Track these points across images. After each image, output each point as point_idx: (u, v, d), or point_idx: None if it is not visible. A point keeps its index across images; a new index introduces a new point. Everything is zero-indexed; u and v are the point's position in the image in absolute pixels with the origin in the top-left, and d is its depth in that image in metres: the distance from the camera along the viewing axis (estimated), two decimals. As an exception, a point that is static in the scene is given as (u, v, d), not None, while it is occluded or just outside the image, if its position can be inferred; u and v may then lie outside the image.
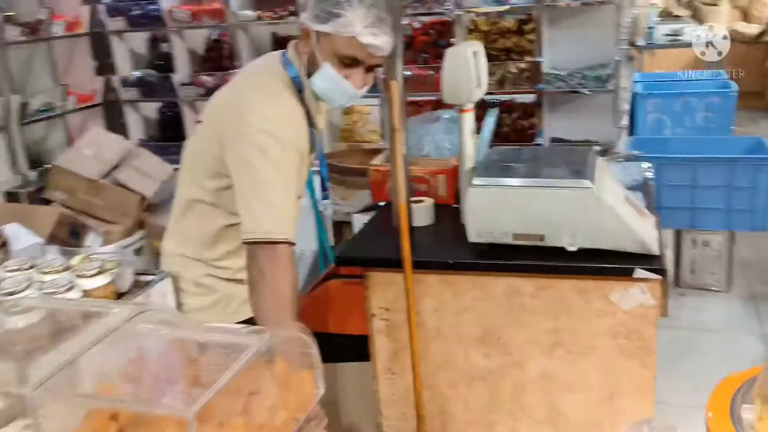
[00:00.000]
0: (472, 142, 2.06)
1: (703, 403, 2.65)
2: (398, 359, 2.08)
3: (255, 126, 1.60)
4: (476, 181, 1.87)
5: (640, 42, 4.98)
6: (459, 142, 2.07)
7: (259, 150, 1.58)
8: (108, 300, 1.44)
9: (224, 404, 0.95)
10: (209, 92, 4.51)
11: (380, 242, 2.13)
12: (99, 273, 1.50)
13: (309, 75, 1.70)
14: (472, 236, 1.90)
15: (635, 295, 1.81)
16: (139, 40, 4.88)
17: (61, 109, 4.57)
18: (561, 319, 1.90)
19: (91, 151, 3.84)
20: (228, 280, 1.76)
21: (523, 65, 3.61)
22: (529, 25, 3.68)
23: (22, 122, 4.38)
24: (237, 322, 1.74)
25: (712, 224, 3.37)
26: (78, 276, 1.49)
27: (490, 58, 2.02)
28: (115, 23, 4.63)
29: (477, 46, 2.02)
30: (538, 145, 3.54)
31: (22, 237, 1.96)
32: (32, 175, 4.39)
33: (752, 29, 7.46)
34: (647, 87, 4.71)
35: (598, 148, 3.44)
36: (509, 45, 3.69)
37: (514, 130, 3.85)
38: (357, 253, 2.09)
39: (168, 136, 4.90)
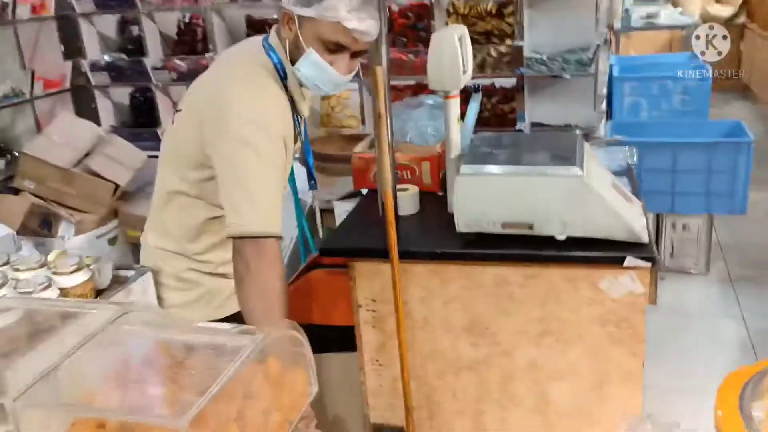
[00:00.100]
0: (458, 129, 2.02)
1: (687, 387, 2.68)
2: (385, 350, 2.05)
3: (238, 115, 1.54)
4: (464, 169, 1.84)
5: (617, 25, 4.97)
6: (444, 128, 2.03)
7: (243, 141, 1.53)
8: (89, 300, 1.38)
9: (218, 411, 0.90)
10: (182, 77, 4.42)
11: (365, 232, 2.09)
12: (77, 270, 1.45)
13: (292, 61, 1.65)
14: (461, 226, 1.87)
15: (625, 283, 1.80)
16: (109, 22, 4.74)
17: (29, 95, 4.43)
18: (549, 308, 1.88)
19: (61, 138, 3.73)
20: (211, 274, 1.70)
21: (503, 49, 3.58)
22: (509, 8, 3.64)
23: (-12, 109, 4.24)
24: (223, 318, 1.70)
25: (692, 208, 3.38)
26: (55, 273, 1.43)
27: (470, 41, 1.98)
28: (83, 5, 4.48)
29: (462, 31, 1.98)
30: (520, 130, 3.51)
31: (-8, 229, 1.89)
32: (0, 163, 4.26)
33: (725, 11, 7.52)
34: (624, 70, 4.71)
35: (579, 132, 3.44)
36: (489, 28, 3.65)
37: (494, 115, 3.82)
38: (342, 244, 2.05)
39: (140, 122, 4.78)
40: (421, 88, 4.08)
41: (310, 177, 1.86)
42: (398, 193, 2.08)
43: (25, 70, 4.42)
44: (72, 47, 4.61)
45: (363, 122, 4.00)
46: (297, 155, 1.86)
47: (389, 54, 1.91)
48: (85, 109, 4.67)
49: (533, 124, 3.68)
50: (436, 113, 2.48)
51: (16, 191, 3.65)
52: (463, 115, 2.11)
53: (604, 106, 3.79)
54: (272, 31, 1.70)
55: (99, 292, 1.52)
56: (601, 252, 1.78)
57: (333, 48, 1.59)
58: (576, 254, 1.79)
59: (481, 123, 3.53)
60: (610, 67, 4.58)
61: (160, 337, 1.09)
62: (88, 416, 0.91)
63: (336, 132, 4.02)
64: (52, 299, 1.32)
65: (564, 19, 3.45)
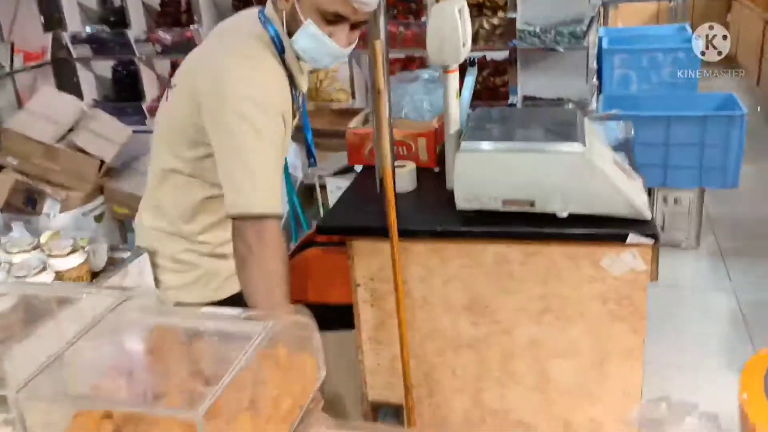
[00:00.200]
0: (457, 105, 1.98)
1: (682, 361, 2.70)
2: (384, 329, 2.04)
3: (235, 91, 1.49)
4: (465, 145, 1.80)
5: (606, -4, 4.93)
6: (443, 104, 1.99)
7: (241, 117, 1.48)
8: (87, 285, 1.34)
9: (230, 400, 0.87)
10: (166, 49, 4.32)
11: (363, 210, 2.06)
12: (72, 252, 1.41)
13: (289, 33, 1.59)
14: (461, 203, 1.84)
15: (626, 260, 1.78)
16: (89, -8, 4.62)
17: (8, 69, 4.32)
18: (550, 286, 1.86)
19: (44, 113, 3.63)
20: (209, 255, 1.66)
21: (495, 21, 3.52)
22: (501, -21, 3.59)
23: (-34, 83, 4.13)
24: (222, 299, 1.66)
25: (684, 182, 3.37)
26: (50, 256, 1.39)
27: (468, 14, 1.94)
28: (63, -25, 4.36)
29: (461, 3, 1.93)
30: (512, 104, 3.48)
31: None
32: (-20, 139, 4.16)
33: (712, -17, 7.49)
34: (612, 42, 4.67)
35: (572, 106, 3.41)
36: (481, 0, 3.59)
37: (486, 88, 3.78)
38: (340, 222, 2.02)
39: (124, 96, 4.68)
40: (410, 62, 4.02)
41: (310, 154, 1.81)
42: (396, 170, 2.05)
43: (4, 42, 4.30)
44: (52, 18, 4.49)
45: (353, 96, 3.94)
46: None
47: (387, 26, 1.86)
48: (67, 82, 4.56)
49: (525, 98, 3.64)
50: (431, 87, 2.44)
51: (-1, 168, 3.57)
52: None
53: (595, 79, 3.77)
54: (268, 2, 1.64)
55: (94, 275, 1.48)
56: (602, 229, 1.76)
57: (332, 19, 1.53)
58: (577, 231, 1.77)
59: (473, 97, 3.49)
60: (600, 39, 4.55)
61: (164, 324, 1.06)
62: (97, 408, 0.88)
63: (325, 106, 3.95)
64: (50, 284, 1.28)
65: (556, -10, 3.40)
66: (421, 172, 2.19)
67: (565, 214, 1.78)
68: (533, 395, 1.98)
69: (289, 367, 1.06)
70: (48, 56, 4.53)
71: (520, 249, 1.85)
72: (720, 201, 3.77)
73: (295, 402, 1.06)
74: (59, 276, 1.36)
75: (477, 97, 3.68)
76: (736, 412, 1.99)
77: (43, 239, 1.46)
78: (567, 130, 1.83)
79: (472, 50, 2.03)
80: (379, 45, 1.75)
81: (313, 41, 1.56)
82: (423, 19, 3.68)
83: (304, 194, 3.70)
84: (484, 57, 3.78)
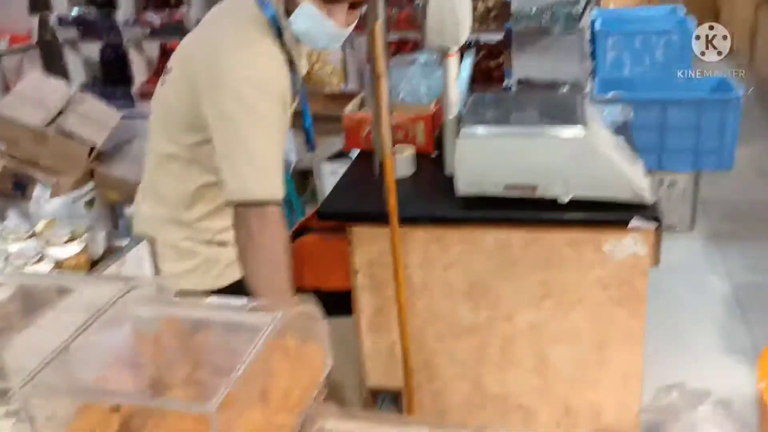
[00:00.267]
0: (456, 89, 1.96)
1: (678, 345, 2.71)
2: (383, 315, 2.02)
3: (233, 74, 1.46)
4: (466, 130, 1.78)
5: (598, -24, 4.89)
6: (443, 88, 1.97)
7: (240, 101, 1.45)
8: (91, 275, 1.31)
9: (242, 393, 0.86)
10: (156, 32, 4.25)
11: (361, 195, 2.04)
12: (70, 240, 1.38)
13: (287, 14, 1.56)
14: (461, 188, 1.82)
15: (628, 245, 1.78)
16: (75, -27, 4.53)
17: (-6, 51, 4.25)
18: (551, 271, 1.86)
19: (32, 97, 3.57)
20: (209, 242, 1.63)
21: (490, 3, 3.49)
22: (495, -40, 3.55)
23: (-50, 66, 4.05)
24: (222, 287, 1.64)
25: (680, 165, 3.37)
26: (47, 244, 1.36)
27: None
28: (48, -44, 4.27)
29: (461, -15, 1.90)
30: (508, 88, 3.45)
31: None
32: (-34, 123, 4.08)
33: (703, -37, 7.45)
34: (605, 24, 4.64)
35: (567, 88, 3.39)
36: (475, -18, 3.56)
37: (479, 71, 3.75)
38: (339, 208, 1.99)
39: (112, 79, 4.61)
40: (404, 44, 3.98)
41: (308, 139, 1.79)
42: (395, 156, 2.02)
43: (-11, 25, 4.23)
44: (38, 0, 4.41)
45: (346, 80, 3.90)
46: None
47: (386, 9, 1.83)
48: (54, 66, 4.49)
49: (519, 81, 3.61)
50: (428, 71, 2.41)
51: (-14, 153, 3.51)
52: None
53: (590, 61, 3.74)
54: (266, -17, 1.60)
55: (93, 263, 1.45)
56: (605, 214, 1.75)
57: None
58: (580, 217, 1.76)
59: (468, 80, 3.46)
60: (592, 21, 4.52)
61: (170, 315, 1.03)
62: (107, 402, 0.86)
63: (317, 90, 3.91)
64: (51, 274, 1.25)
65: (552, -28, 3.35)
66: (419, 156, 2.17)
67: (567, 199, 1.76)
68: (533, 380, 1.98)
69: (298, 357, 1.04)
70: (34, 39, 4.45)
71: (521, 235, 1.84)
72: (714, 183, 3.77)
73: (304, 392, 1.05)
74: (58, 265, 1.33)
75: (471, 80, 3.65)
76: (733, 395, 2.01)
77: (39, 227, 1.43)
78: (569, 114, 1.81)
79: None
80: (379, 27, 1.71)
81: (311, 22, 1.53)
82: (416, 1, 3.64)
83: (297, 179, 3.66)
84: (478, 40, 3.74)
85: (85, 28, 4.41)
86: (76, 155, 3.55)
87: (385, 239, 1.86)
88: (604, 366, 1.91)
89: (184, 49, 1.62)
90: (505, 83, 3.47)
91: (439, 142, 2.26)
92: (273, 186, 1.45)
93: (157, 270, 1.60)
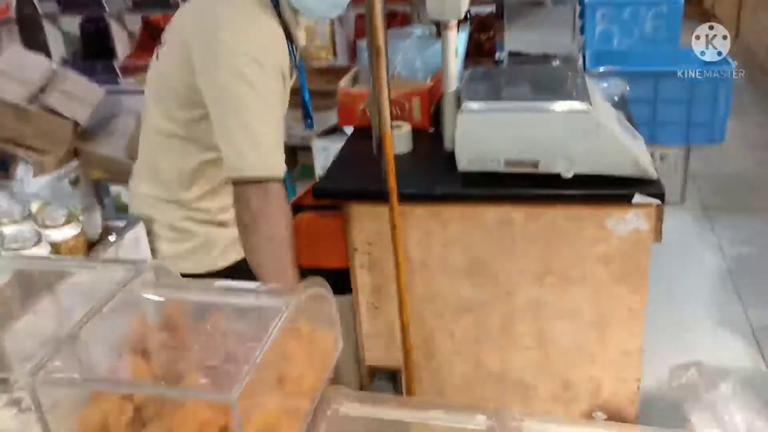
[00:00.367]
0: (455, 63, 1.93)
1: (674, 318, 2.72)
2: (381, 293, 2.00)
3: (230, 47, 1.41)
4: (467, 105, 1.75)
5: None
6: (442, 62, 1.93)
7: (238, 75, 1.40)
8: (91, 258, 1.28)
9: (261, 380, 0.83)
10: (138, 5, 4.15)
11: (359, 173, 2.01)
12: (67, 222, 1.34)
13: None
14: (462, 164, 1.80)
15: (631, 220, 1.77)
16: (54, -57, 4.40)
17: (-30, 26, 4.13)
18: (552, 248, 1.84)
19: (13, 73, 3.48)
20: (208, 222, 1.60)
21: (481, -25, 3.44)
22: (486, -70, 3.49)
23: (-74, 41, 3.93)
24: (222, 268, 1.61)
25: (671, 138, 3.37)
26: (43, 227, 1.32)
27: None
28: (25, -74, 4.14)
29: (461, -44, 1.85)
30: (499, 61, 3.41)
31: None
32: (-56, 100, 3.97)
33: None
34: (594, -5, 4.61)
35: (559, 62, 3.36)
36: (465, -47, 3.49)
37: (470, 44, 3.70)
38: (336, 186, 1.96)
39: (93, 54, 4.51)
40: (392, 17, 3.92)
41: (307, 114, 1.74)
42: (393, 132, 1.99)
43: (-36, -1, 4.10)
44: (15, -28, 4.28)
45: (335, 53, 3.84)
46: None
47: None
48: (34, 40, 4.36)
49: (510, 54, 3.58)
50: (423, 45, 2.37)
51: (-33, 131, 3.42)
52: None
53: (581, 34, 3.72)
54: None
55: (90, 246, 1.41)
56: (608, 190, 1.74)
57: None
58: (583, 192, 1.75)
59: (459, 53, 3.41)
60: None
61: (180, 299, 1.00)
62: (122, 391, 0.83)
63: (305, 65, 3.84)
64: (52, 258, 1.22)
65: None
66: (415, 133, 2.14)
67: (570, 175, 1.74)
68: (533, 356, 1.97)
69: (310, 341, 1.02)
70: (13, 12, 4.32)
71: (522, 211, 1.82)
72: (704, 157, 3.78)
73: (317, 376, 1.03)
74: (55, 248, 1.29)
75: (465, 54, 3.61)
76: (731, 369, 2.02)
77: (33, 209, 1.38)
78: (570, 89, 1.78)
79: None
80: (378, -2, 1.67)
81: None
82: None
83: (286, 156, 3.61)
84: (468, 12, 3.69)
85: (66, 0, 4.30)
86: (60, 133, 3.48)
87: (384, 217, 1.83)
88: (605, 342, 1.91)
89: (178, 20, 1.57)
90: (496, 56, 3.44)
91: (435, 118, 2.23)
92: (274, 162, 1.41)
93: (154, 251, 1.57)
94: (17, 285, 1.18)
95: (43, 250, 1.26)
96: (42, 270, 1.18)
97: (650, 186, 1.73)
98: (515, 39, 3.44)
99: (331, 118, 3.01)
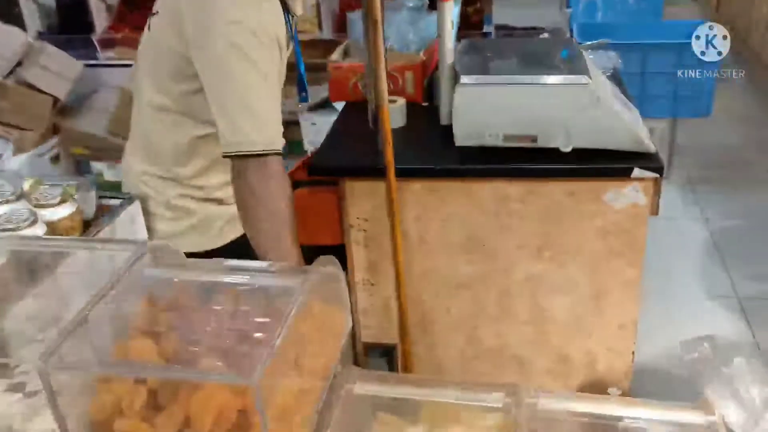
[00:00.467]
0: (452, 36, 1.89)
1: (663, 290, 2.74)
2: (377, 270, 1.99)
3: (224, 16, 1.36)
4: (465, 79, 1.73)
5: None
6: (438, 34, 1.90)
7: (233, 46, 1.35)
8: (87, 237, 1.24)
9: (279, 362, 0.81)
10: (116, -24, 4.04)
11: (354, 148, 1.98)
12: (62, 201, 1.30)
13: None
14: (460, 139, 1.78)
15: (629, 194, 1.76)
16: None
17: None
18: (550, 222, 1.84)
19: (-12, 47, 3.38)
20: (205, 200, 1.56)
21: (468, -54, 3.39)
22: None
23: None
24: (220, 247, 1.58)
25: (658, 112, 3.37)
26: (38, 206, 1.28)
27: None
28: None
29: (456, -75, 1.82)
30: (487, 33, 3.38)
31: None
32: None
33: None
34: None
35: (547, 35, 3.34)
36: (452, -77, 3.44)
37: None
38: (331, 162, 1.93)
39: (70, 27, 4.38)
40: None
41: (302, 87, 1.70)
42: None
43: (-67, -30, 3.96)
44: (-14, -58, 4.14)
45: (320, 26, 3.77)
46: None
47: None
48: (7, 13, 4.22)
49: (498, 27, 3.55)
50: (416, 17, 2.33)
51: (-58, 107, 3.32)
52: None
53: (568, 7, 3.69)
54: None
55: (86, 225, 1.38)
56: (606, 164, 1.73)
57: None
58: (582, 167, 1.74)
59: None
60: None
61: (187, 279, 0.98)
62: (140, 375, 0.81)
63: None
64: (49, 239, 1.18)
65: None
66: (409, 107, 2.11)
67: (568, 149, 1.73)
68: (529, 330, 1.98)
69: (322, 321, 1.00)
70: (-16, -16, 4.19)
71: (520, 186, 1.81)
72: (689, 130, 3.79)
73: (329, 357, 1.01)
74: (51, 227, 1.25)
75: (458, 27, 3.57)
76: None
77: (26, 187, 1.34)
78: (568, 63, 1.77)
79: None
80: (375, -30, 1.63)
81: None
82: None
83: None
84: (455, -16, 3.64)
85: (40, -29, 4.17)
86: (39, 109, 3.40)
87: (380, 193, 1.81)
88: (601, 315, 1.92)
89: (170, -11, 1.51)
90: (484, 29, 3.40)
91: (429, 92, 2.20)
92: (272, 135, 1.38)
93: (150, 231, 1.53)
94: (14, 267, 1.15)
95: (38, 230, 1.22)
96: (39, 251, 1.15)
97: (648, 160, 1.72)
98: (501, 12, 3.39)
99: (319, 91, 2.96)
